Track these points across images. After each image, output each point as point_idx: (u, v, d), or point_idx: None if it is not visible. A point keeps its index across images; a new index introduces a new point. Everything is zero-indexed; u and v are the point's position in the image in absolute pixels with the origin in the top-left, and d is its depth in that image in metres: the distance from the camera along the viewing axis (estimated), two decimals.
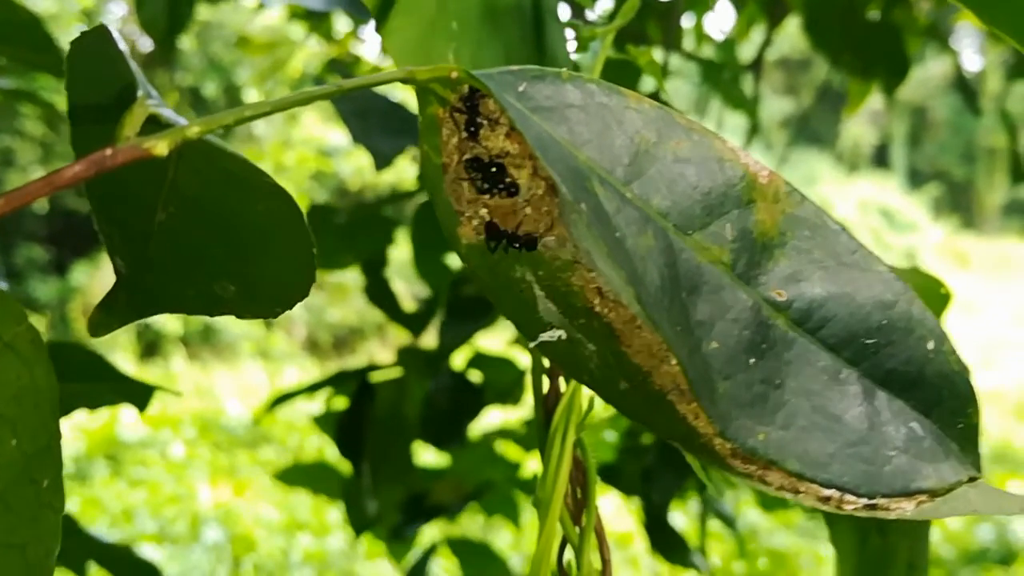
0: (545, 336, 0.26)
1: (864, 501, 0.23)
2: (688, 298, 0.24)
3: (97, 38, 0.25)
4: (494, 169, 0.26)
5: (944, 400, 0.24)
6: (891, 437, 0.24)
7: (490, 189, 0.26)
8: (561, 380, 0.40)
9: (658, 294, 0.23)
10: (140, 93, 0.22)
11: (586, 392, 0.37)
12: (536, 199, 0.26)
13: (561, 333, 0.26)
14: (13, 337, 0.23)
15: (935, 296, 0.45)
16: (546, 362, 0.41)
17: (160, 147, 0.20)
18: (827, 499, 0.23)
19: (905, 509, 0.23)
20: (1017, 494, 0.25)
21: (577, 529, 0.38)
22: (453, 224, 0.26)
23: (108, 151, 0.20)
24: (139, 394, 0.62)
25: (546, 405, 0.40)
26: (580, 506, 0.38)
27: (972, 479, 0.24)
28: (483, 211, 0.26)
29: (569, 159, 0.24)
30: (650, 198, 0.25)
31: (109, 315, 0.33)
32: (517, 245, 0.26)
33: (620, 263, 0.23)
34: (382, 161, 0.96)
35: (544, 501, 0.36)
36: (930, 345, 0.25)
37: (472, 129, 0.25)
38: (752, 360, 0.24)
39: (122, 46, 0.23)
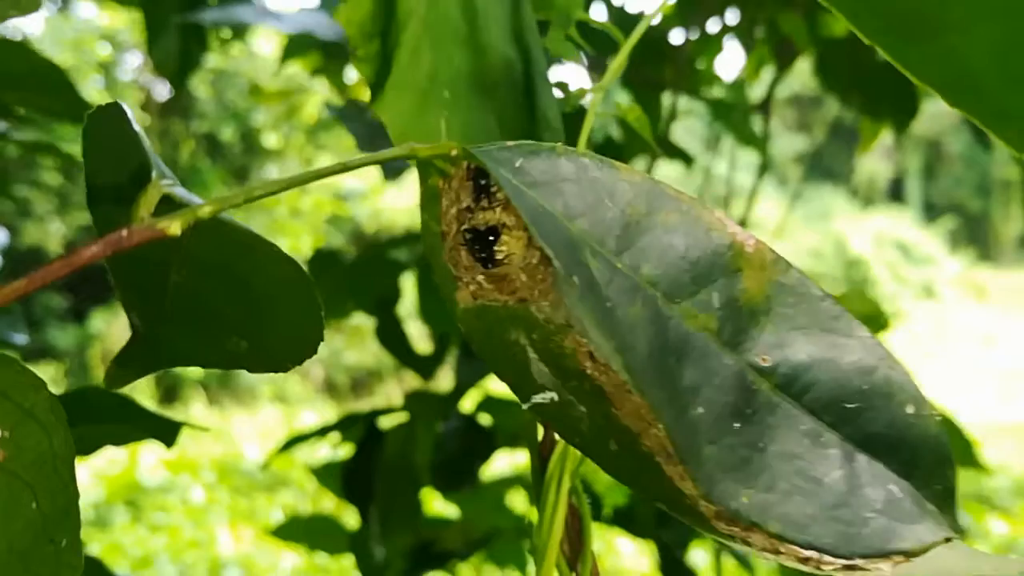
0: (538, 398, 0.27)
1: (842, 562, 0.24)
2: (676, 364, 0.25)
3: (112, 115, 0.26)
4: (491, 239, 0.27)
5: (923, 463, 0.25)
6: (870, 499, 0.25)
7: (487, 258, 0.27)
8: None
9: (645, 362, 0.24)
10: (154, 174, 0.23)
11: None
12: (531, 267, 0.27)
13: (553, 395, 0.27)
14: (32, 405, 0.24)
15: (872, 320, 0.46)
16: None
17: (174, 227, 0.22)
18: (806, 560, 0.24)
19: (883, 570, 0.24)
20: (992, 555, 0.26)
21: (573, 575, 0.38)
22: (451, 289, 0.27)
23: (124, 232, 0.21)
24: (166, 431, 0.62)
25: (541, 453, 0.41)
26: (577, 552, 0.39)
27: (948, 539, 0.25)
28: (480, 277, 0.27)
29: (563, 231, 0.25)
30: (640, 267, 0.26)
31: (125, 368, 0.34)
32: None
33: (610, 332, 0.24)
34: (391, 173, 0.98)
35: (540, 548, 0.37)
36: (910, 409, 0.26)
37: (470, 201, 0.27)
38: (737, 424, 0.25)
39: (136, 126, 0.25)
